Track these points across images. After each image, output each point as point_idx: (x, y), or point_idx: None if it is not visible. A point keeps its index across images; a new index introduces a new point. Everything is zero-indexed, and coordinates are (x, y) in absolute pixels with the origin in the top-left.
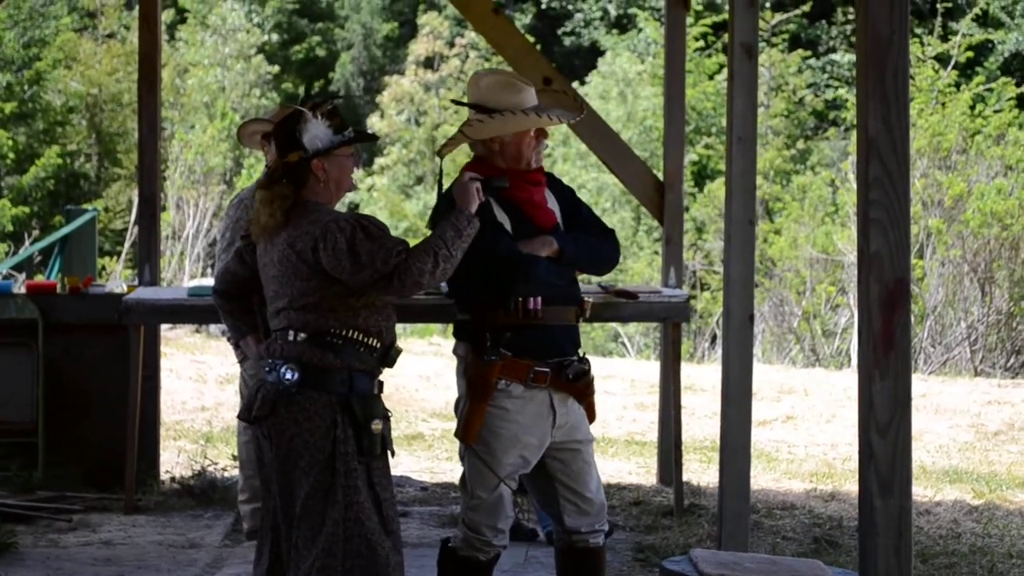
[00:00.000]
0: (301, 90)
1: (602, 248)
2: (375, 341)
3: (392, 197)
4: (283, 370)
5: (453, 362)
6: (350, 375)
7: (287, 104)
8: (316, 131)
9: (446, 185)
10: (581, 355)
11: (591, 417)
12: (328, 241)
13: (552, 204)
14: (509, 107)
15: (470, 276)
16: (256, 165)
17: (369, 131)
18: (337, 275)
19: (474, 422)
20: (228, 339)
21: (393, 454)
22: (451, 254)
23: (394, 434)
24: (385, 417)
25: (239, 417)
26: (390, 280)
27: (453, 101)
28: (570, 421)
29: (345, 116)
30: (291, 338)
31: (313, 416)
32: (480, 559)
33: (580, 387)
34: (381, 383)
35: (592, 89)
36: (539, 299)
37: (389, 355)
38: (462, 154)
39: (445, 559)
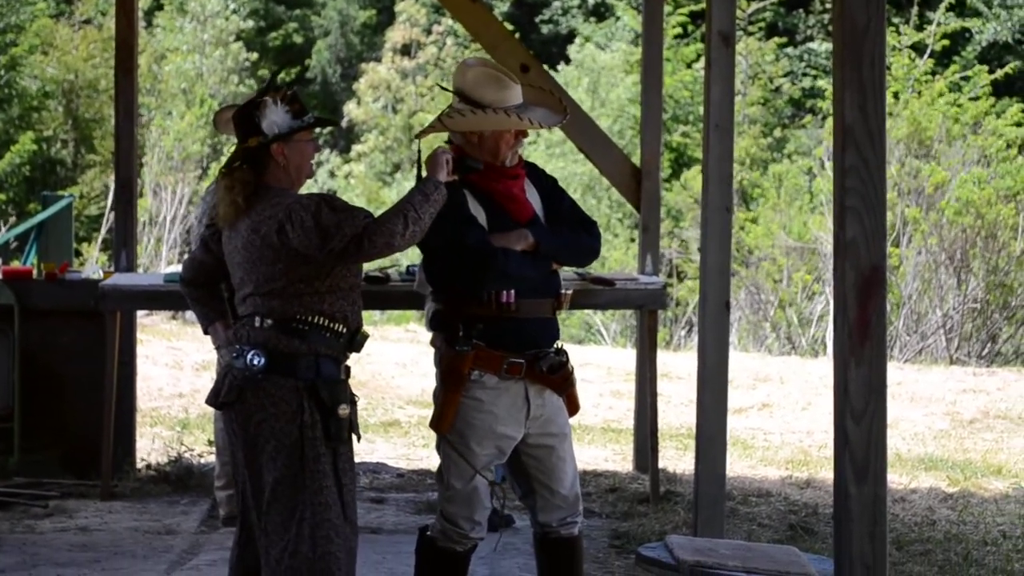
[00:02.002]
0: (280, 76)
1: (581, 240)
2: (341, 326)
3: (369, 184)
4: (250, 356)
5: (430, 349)
6: (316, 360)
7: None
8: (274, 116)
9: (424, 170)
10: (558, 347)
11: (573, 409)
12: (295, 221)
13: (532, 195)
14: (492, 104)
15: (443, 267)
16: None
17: (346, 118)
18: (307, 252)
19: (448, 412)
20: None
21: (359, 439)
22: (419, 216)
23: (371, 421)
24: (352, 402)
25: (207, 403)
26: (360, 243)
27: (439, 86)
28: (545, 414)
29: (323, 103)
30: (257, 324)
31: (279, 402)
32: (457, 550)
33: (556, 380)
34: (348, 368)
35: (562, 77)
36: (512, 292)
37: (355, 340)
38: (439, 140)
39: (423, 549)
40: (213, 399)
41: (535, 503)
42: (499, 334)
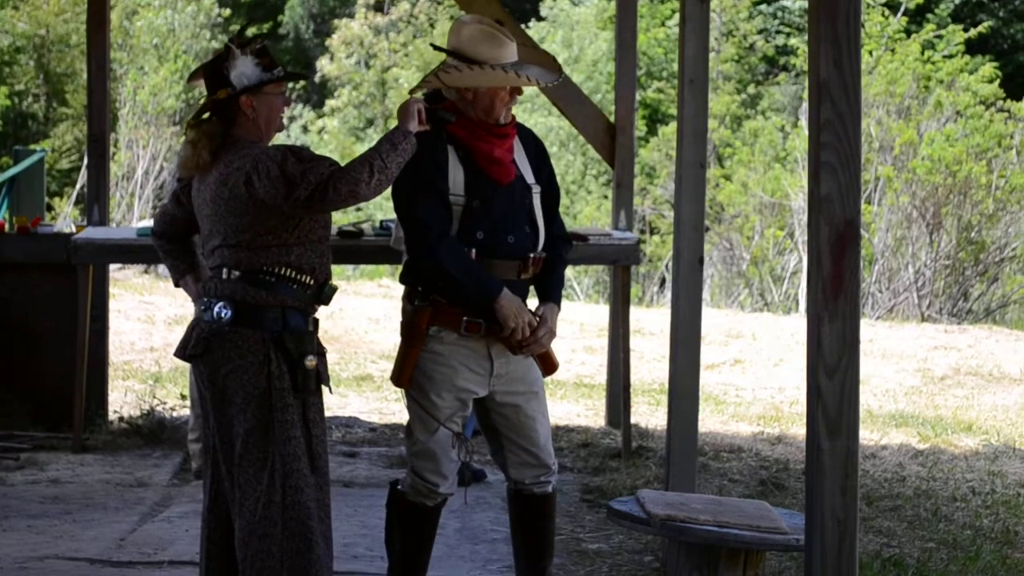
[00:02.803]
0: (250, 32)
1: (562, 274)
2: (308, 278)
3: (342, 140)
4: (217, 308)
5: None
6: (283, 312)
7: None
8: (243, 68)
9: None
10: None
11: (548, 368)
12: (261, 172)
13: (520, 156)
14: (488, 60)
15: (408, 227)
16: None
17: (319, 74)
18: (274, 203)
19: (406, 366)
20: None
21: (331, 390)
22: (386, 165)
23: (343, 375)
24: (320, 353)
25: (176, 355)
26: (325, 190)
27: (433, 46)
28: (511, 372)
29: (296, 59)
30: (225, 276)
31: (246, 353)
32: (428, 504)
33: (516, 343)
34: (316, 320)
35: (535, 32)
36: (474, 251)
37: (323, 292)
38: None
39: (393, 503)
40: (181, 351)
41: (505, 460)
42: (459, 293)
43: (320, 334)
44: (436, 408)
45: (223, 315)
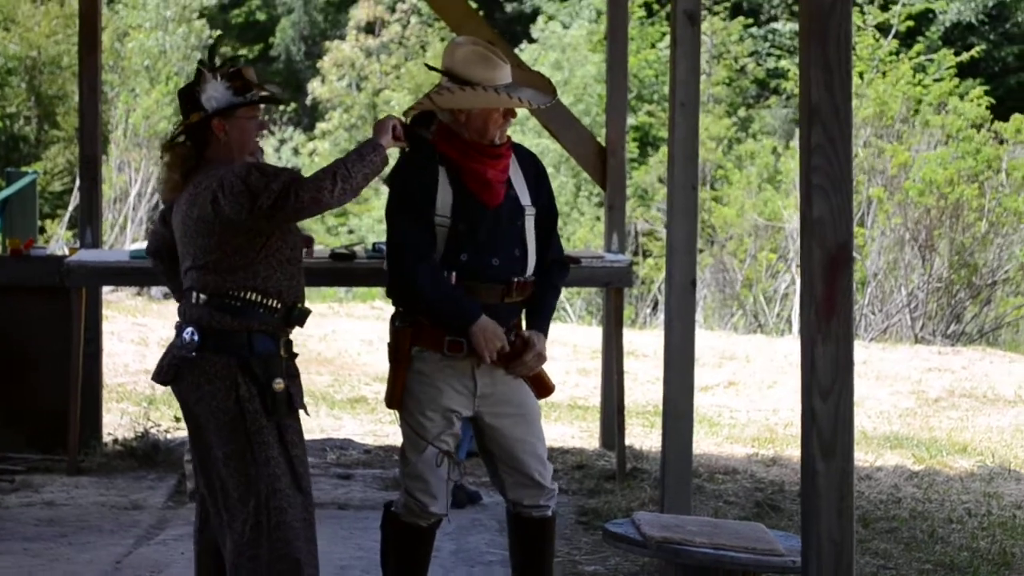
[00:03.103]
0: (242, 53)
1: (553, 303)
2: (275, 302)
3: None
4: (186, 333)
5: None
6: (249, 337)
7: (245, 67)
8: (213, 92)
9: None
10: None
11: (542, 391)
12: (226, 188)
13: (517, 176)
14: (481, 82)
15: (390, 248)
16: None
17: (310, 96)
18: (239, 217)
19: (395, 386)
20: None
21: (307, 413)
22: (350, 174)
23: (337, 397)
24: (291, 376)
25: (152, 378)
26: (287, 197)
27: (427, 66)
28: (497, 392)
29: (287, 81)
30: (194, 300)
31: (214, 379)
32: (421, 525)
33: (502, 362)
34: (289, 342)
35: (527, 55)
36: (454, 275)
37: (292, 315)
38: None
39: (388, 524)
40: (156, 376)
41: (502, 482)
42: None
43: (313, 356)
44: (423, 428)
45: (190, 340)
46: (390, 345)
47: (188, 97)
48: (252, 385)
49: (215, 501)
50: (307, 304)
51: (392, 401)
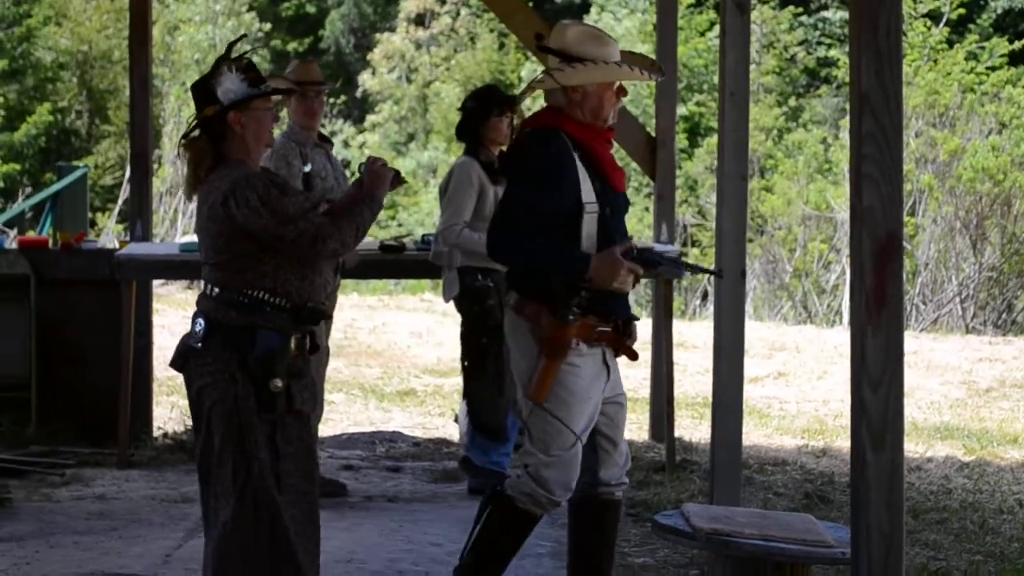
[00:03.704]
0: (291, 46)
1: None
2: (283, 301)
3: (383, 154)
4: (196, 324)
5: (444, 319)
6: (253, 333)
7: (307, 60)
8: (229, 84)
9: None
10: (633, 314)
11: (635, 356)
12: (239, 198)
13: None
14: (597, 58)
15: (565, 233)
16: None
17: (360, 88)
18: (252, 230)
19: (547, 381)
20: None
21: (309, 415)
22: (364, 232)
23: (386, 390)
24: (297, 375)
25: (169, 364)
26: (314, 242)
27: (539, 46)
28: (615, 376)
29: (337, 73)
30: (207, 292)
31: (215, 371)
32: (537, 514)
33: (630, 343)
34: (300, 340)
35: None
36: None
37: (302, 314)
38: (454, 112)
39: (499, 508)
40: (170, 362)
41: (597, 461)
42: (595, 303)
43: (363, 349)
44: (574, 421)
45: (198, 330)
46: (545, 339)
47: (202, 91)
48: (248, 382)
49: (207, 485)
50: (357, 296)
51: (540, 394)
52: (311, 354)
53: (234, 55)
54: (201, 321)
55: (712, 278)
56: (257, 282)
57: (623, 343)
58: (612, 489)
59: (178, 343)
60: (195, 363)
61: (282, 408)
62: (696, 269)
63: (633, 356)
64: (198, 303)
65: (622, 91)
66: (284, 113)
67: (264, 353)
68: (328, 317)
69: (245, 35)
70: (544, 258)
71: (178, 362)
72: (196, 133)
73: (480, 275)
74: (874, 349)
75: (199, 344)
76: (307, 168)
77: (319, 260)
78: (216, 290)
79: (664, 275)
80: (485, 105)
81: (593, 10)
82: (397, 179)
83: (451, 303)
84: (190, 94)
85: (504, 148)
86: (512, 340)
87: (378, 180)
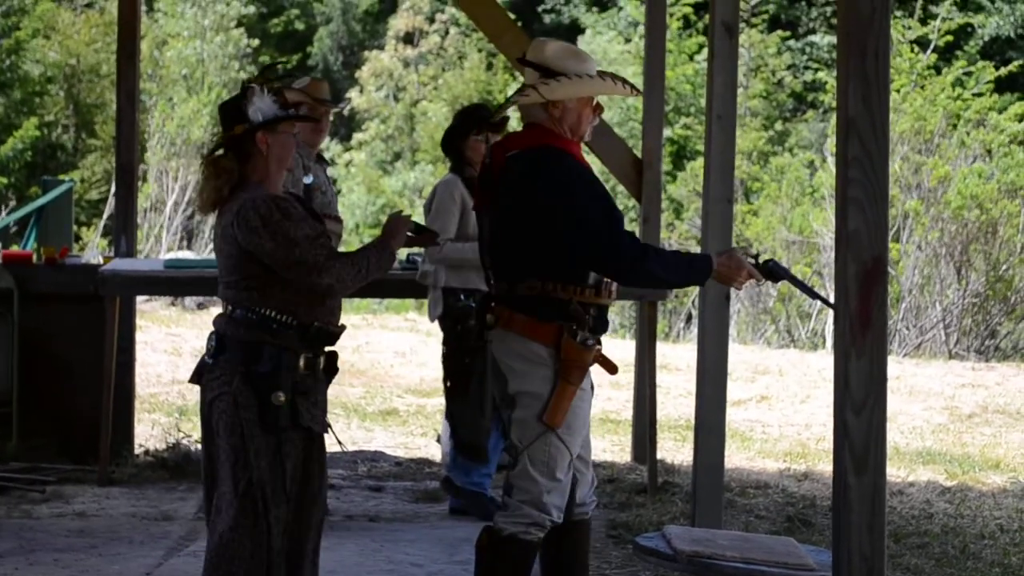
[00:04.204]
0: (277, 66)
1: None
2: (290, 319)
3: (370, 173)
4: (210, 340)
5: (428, 338)
6: (259, 349)
7: (316, 79)
8: (260, 104)
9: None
10: None
11: (613, 369)
12: (242, 218)
13: None
14: (577, 72)
15: (581, 247)
16: None
17: (347, 106)
18: (255, 252)
19: (566, 405)
20: None
21: (319, 430)
22: (367, 276)
23: (369, 409)
24: (304, 392)
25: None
26: (310, 273)
27: (519, 60)
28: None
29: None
30: (224, 310)
31: (223, 384)
32: (539, 538)
33: (610, 360)
34: (311, 360)
35: None
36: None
37: (308, 334)
38: (441, 131)
39: (504, 548)
40: (190, 377)
41: (574, 482)
42: (598, 322)
43: (346, 368)
44: (575, 444)
45: (211, 346)
46: (567, 363)
47: (231, 110)
48: (252, 395)
49: (209, 490)
50: (341, 314)
51: (557, 419)
52: (329, 375)
53: (265, 76)
54: (214, 338)
55: (697, 300)
56: (265, 301)
57: (608, 360)
58: (586, 509)
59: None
60: (207, 377)
61: (285, 423)
62: (815, 295)
63: (614, 370)
64: (214, 322)
65: (599, 108)
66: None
67: (268, 368)
68: (335, 337)
69: (278, 63)
70: (674, 263)
71: (195, 377)
72: (221, 152)
73: (463, 295)
74: (858, 372)
75: (211, 359)
76: (308, 180)
77: (314, 291)
78: (230, 308)
79: (780, 284)
80: (465, 124)
81: (588, 32)
82: (429, 237)
83: (436, 323)
84: (175, 109)
85: (482, 168)
86: (516, 364)
87: (393, 230)
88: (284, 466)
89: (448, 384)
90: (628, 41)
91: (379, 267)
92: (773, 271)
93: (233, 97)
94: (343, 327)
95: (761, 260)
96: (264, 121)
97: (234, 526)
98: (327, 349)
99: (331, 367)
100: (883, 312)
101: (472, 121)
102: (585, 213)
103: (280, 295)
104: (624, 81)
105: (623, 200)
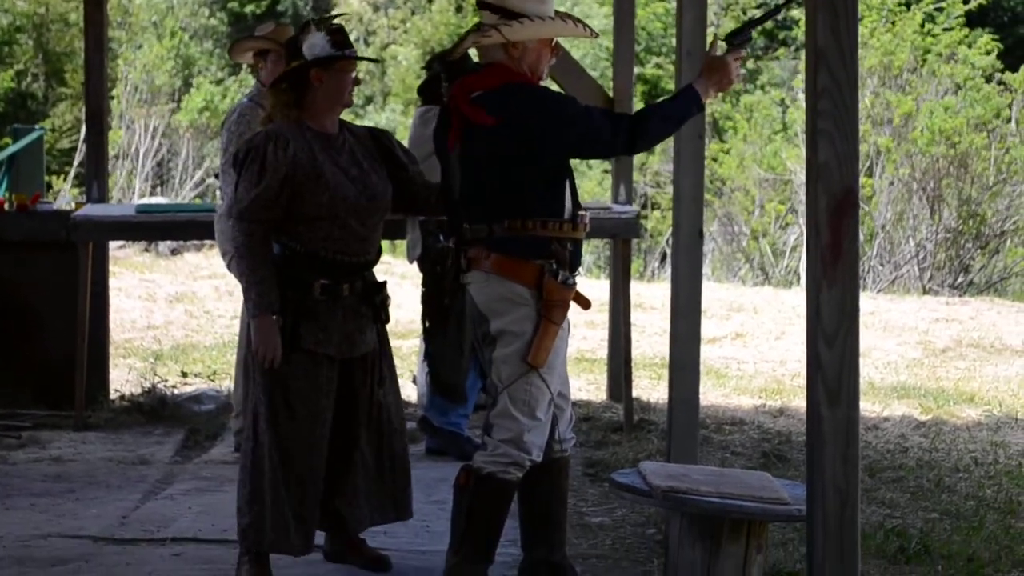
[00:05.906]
0: (248, 9)
1: None
2: (299, 247)
3: (345, 116)
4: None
5: (403, 280)
6: (278, 272)
7: (281, 23)
8: (314, 40)
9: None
10: None
11: (586, 305)
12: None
13: None
14: (537, 14)
15: (553, 188)
16: (246, 79)
17: None
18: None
19: (549, 344)
20: None
21: (322, 356)
22: (239, 273)
23: None
24: (313, 317)
25: None
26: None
27: (478, 2)
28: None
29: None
30: None
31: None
32: (519, 479)
33: (583, 296)
34: (328, 287)
35: None
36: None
37: (316, 262)
38: (412, 75)
39: (484, 488)
40: None
41: (554, 419)
42: (576, 256)
43: None
44: (554, 382)
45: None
46: (550, 303)
47: (291, 47)
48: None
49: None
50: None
51: (540, 358)
52: (381, 323)
53: (325, 17)
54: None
55: (671, 238)
56: (281, 232)
57: (582, 296)
58: (565, 446)
59: None
60: None
61: (285, 343)
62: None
63: (587, 305)
64: None
65: (557, 48)
66: (245, 71)
67: (287, 293)
68: (355, 267)
69: (275, 4)
70: (670, 111)
71: None
72: (283, 85)
73: (442, 236)
74: (829, 304)
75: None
76: None
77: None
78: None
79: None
80: (449, 73)
81: None
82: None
83: (414, 264)
84: (139, 56)
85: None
86: (497, 304)
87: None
88: (290, 385)
89: (427, 324)
90: None
91: (246, 292)
92: (740, 33)
93: (295, 34)
94: (368, 259)
95: (722, 39)
96: (315, 59)
97: (243, 440)
98: (365, 279)
99: (367, 294)
100: (855, 244)
101: (456, 71)
102: (571, 107)
103: (290, 229)
104: (583, 23)
105: None
